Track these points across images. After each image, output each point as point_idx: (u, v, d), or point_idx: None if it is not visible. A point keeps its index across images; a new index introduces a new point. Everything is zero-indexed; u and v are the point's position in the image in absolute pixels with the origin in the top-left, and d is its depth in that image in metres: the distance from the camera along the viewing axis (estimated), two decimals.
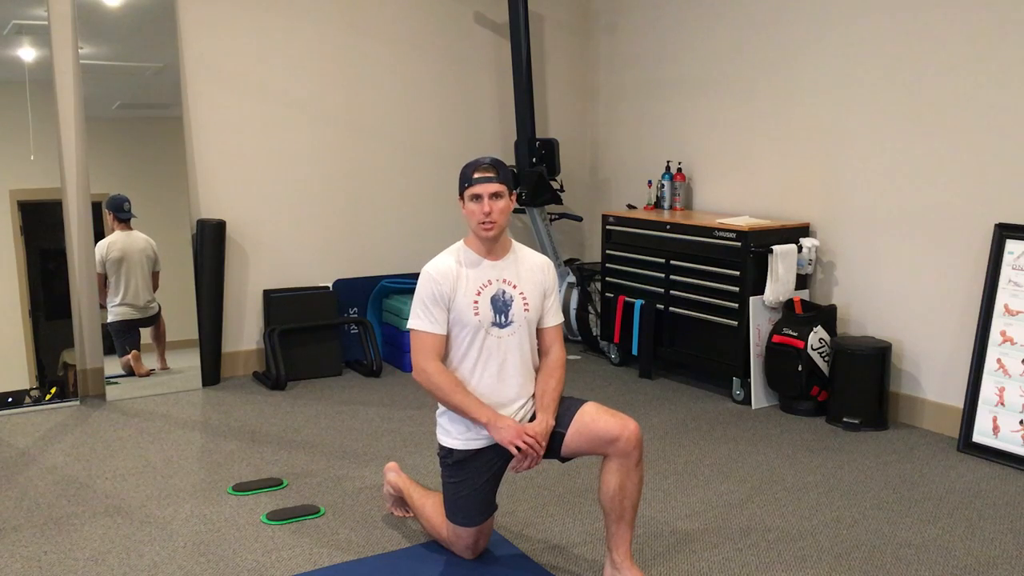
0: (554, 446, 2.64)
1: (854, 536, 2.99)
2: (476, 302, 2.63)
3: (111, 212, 4.56)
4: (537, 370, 2.74)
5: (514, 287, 2.68)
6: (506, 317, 2.66)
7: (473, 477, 2.68)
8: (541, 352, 2.77)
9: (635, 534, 2.95)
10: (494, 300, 2.65)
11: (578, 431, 2.59)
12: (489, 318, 2.64)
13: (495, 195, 2.61)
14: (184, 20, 4.69)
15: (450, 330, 2.66)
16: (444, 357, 2.69)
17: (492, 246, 2.68)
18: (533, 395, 2.71)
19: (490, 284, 2.66)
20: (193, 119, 4.77)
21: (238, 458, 3.70)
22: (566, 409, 2.65)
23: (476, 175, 2.61)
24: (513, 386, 2.67)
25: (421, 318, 2.64)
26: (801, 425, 4.12)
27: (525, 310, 2.68)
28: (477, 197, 2.61)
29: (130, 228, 4.60)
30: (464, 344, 2.65)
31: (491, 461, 2.68)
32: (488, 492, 2.71)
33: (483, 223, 2.61)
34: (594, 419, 2.57)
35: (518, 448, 2.55)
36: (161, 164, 4.71)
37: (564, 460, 2.70)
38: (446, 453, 2.72)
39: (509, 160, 5.59)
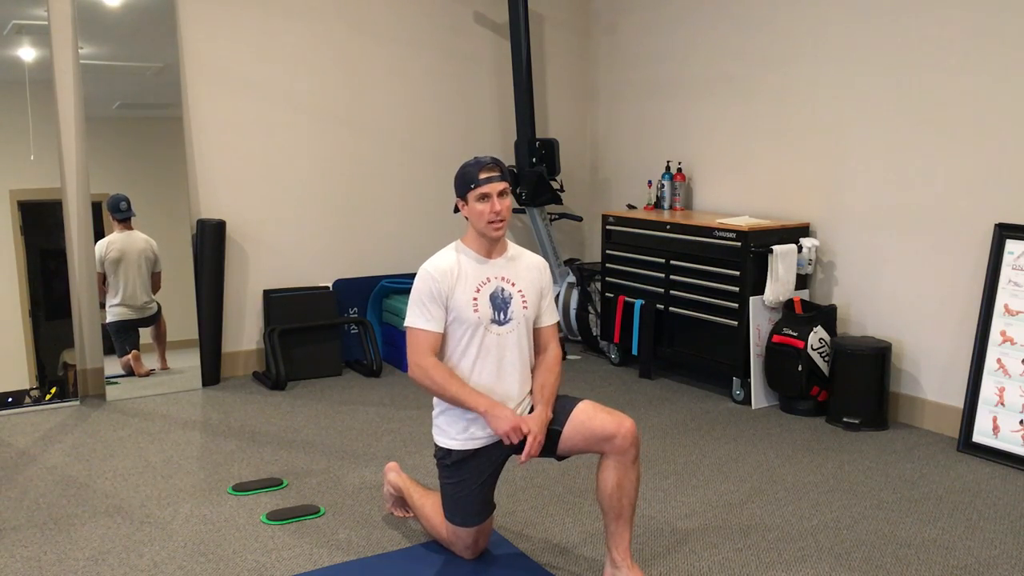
0: (550, 443, 2.64)
1: (854, 536, 2.99)
2: (475, 299, 2.64)
3: (109, 212, 4.56)
4: (533, 368, 2.75)
5: (512, 285, 2.69)
6: (505, 314, 2.66)
7: (471, 477, 2.68)
8: (538, 350, 2.78)
9: (635, 533, 2.96)
10: (493, 297, 2.66)
11: (575, 428, 2.60)
12: (488, 315, 2.65)
13: (502, 193, 2.63)
14: (184, 20, 4.69)
15: (449, 328, 2.67)
16: (443, 355, 2.70)
17: (492, 245, 2.69)
18: (529, 393, 2.72)
19: (489, 281, 2.67)
20: (193, 119, 4.77)
21: (238, 458, 3.70)
22: (562, 407, 2.65)
23: (482, 175, 2.61)
24: (512, 383, 2.67)
25: (418, 316, 2.65)
26: (801, 425, 4.12)
27: (524, 307, 2.69)
28: (486, 197, 2.61)
29: (130, 228, 4.60)
30: (463, 342, 2.66)
31: (490, 460, 2.69)
32: (486, 492, 2.71)
33: (493, 222, 2.61)
34: (591, 416, 2.58)
35: (512, 441, 2.56)
36: (161, 164, 4.71)
37: (560, 458, 2.71)
38: (444, 454, 2.72)
39: (509, 160, 5.59)
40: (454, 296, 2.63)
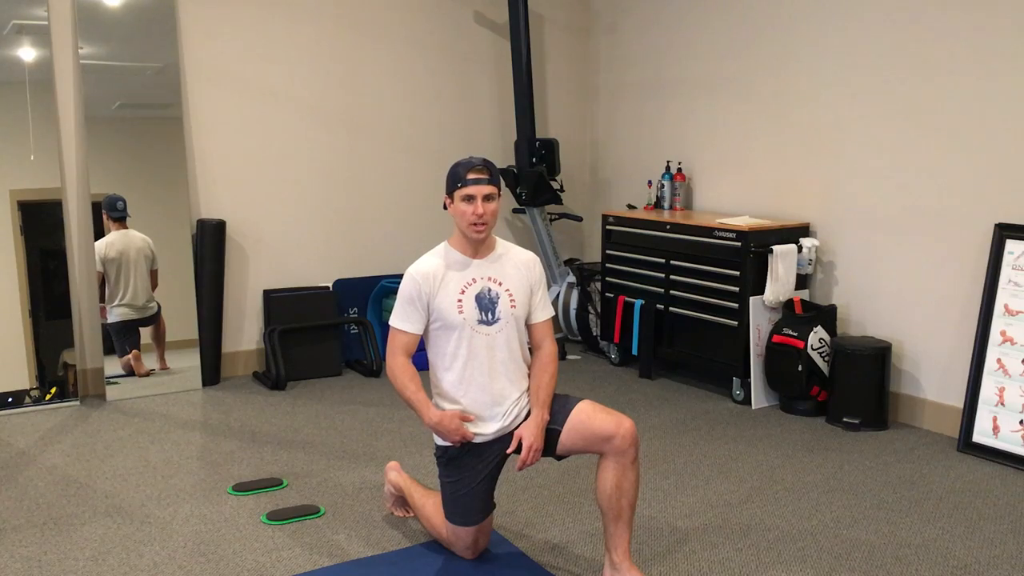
0: (549, 443, 2.65)
1: (854, 536, 2.99)
2: (460, 301, 2.64)
3: (106, 212, 4.55)
4: (529, 366, 2.75)
5: (500, 284, 2.69)
6: (492, 314, 2.67)
7: (470, 476, 2.69)
8: (533, 347, 2.78)
9: (634, 534, 2.96)
10: (479, 298, 2.66)
11: (574, 428, 2.60)
12: (474, 316, 2.65)
13: (488, 197, 2.62)
14: (184, 20, 4.69)
15: (438, 332, 2.68)
16: (436, 358, 2.71)
17: (478, 245, 2.69)
18: (526, 391, 2.72)
19: (474, 282, 2.67)
20: (193, 119, 4.77)
21: (238, 458, 3.70)
22: (561, 406, 2.66)
23: (470, 176, 2.61)
24: (505, 383, 2.68)
25: (398, 315, 2.69)
26: (801, 425, 4.12)
27: (512, 307, 2.69)
28: (470, 198, 2.61)
29: (125, 227, 4.60)
30: (452, 344, 2.66)
31: (488, 459, 2.69)
32: (485, 491, 2.72)
33: (475, 224, 2.61)
34: (590, 416, 2.58)
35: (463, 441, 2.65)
36: (161, 164, 4.71)
37: (559, 458, 2.71)
38: (442, 452, 2.73)
39: (509, 160, 5.59)
40: (437, 299, 2.64)
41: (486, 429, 2.67)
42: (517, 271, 2.73)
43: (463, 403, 2.67)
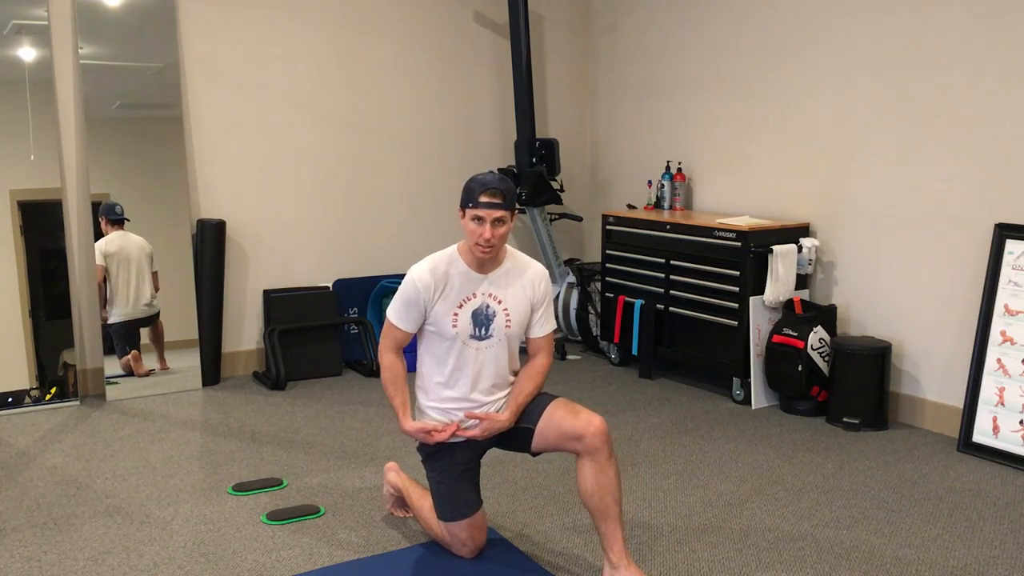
0: (525, 441, 2.71)
1: (854, 536, 2.99)
2: (456, 315, 2.66)
3: (104, 217, 4.55)
4: (515, 374, 2.80)
5: (499, 303, 2.70)
6: (486, 330, 2.69)
7: (450, 467, 2.74)
8: (529, 355, 2.81)
9: (635, 533, 2.96)
10: (475, 314, 2.68)
11: (546, 425, 2.65)
12: (468, 331, 2.68)
13: (498, 221, 2.60)
14: (184, 20, 4.69)
15: (431, 337, 2.73)
16: (424, 360, 2.77)
17: (484, 261, 2.69)
18: (505, 395, 2.77)
19: (474, 297, 2.68)
20: (193, 119, 4.77)
21: (238, 458, 3.70)
22: (536, 404, 2.70)
23: (483, 198, 2.58)
24: (486, 393, 2.74)
25: (395, 311, 2.73)
26: (801, 425, 4.12)
27: (507, 327, 2.71)
28: (479, 220, 2.59)
29: (123, 229, 4.60)
30: (442, 351, 2.70)
31: (466, 450, 2.75)
32: (469, 481, 2.77)
33: (481, 246, 2.61)
34: (561, 416, 2.63)
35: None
36: (161, 164, 4.71)
37: (535, 454, 2.76)
38: (421, 446, 2.80)
39: (509, 160, 5.59)
40: (435, 308, 2.67)
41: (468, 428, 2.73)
42: (522, 289, 2.73)
43: (442, 405, 2.75)
